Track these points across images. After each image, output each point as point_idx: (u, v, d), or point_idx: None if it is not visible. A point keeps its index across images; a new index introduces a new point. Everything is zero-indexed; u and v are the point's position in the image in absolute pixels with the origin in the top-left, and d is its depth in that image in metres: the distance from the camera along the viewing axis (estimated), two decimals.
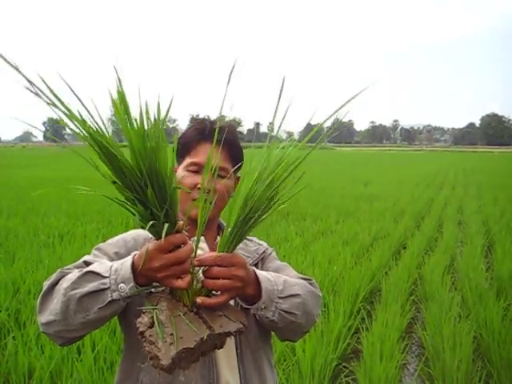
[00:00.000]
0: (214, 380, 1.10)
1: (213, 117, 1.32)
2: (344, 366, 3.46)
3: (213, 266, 0.92)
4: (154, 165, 0.81)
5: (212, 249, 1.10)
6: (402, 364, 3.51)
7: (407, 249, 6.75)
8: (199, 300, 0.91)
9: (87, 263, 1.07)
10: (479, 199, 12.82)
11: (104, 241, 1.24)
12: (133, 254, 0.97)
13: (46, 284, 1.03)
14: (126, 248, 1.18)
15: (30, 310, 3.70)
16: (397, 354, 3.25)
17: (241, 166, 1.29)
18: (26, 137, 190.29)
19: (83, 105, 0.80)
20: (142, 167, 0.81)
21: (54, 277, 1.03)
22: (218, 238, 1.24)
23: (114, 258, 1.14)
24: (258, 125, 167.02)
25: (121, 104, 0.80)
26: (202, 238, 0.96)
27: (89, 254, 1.18)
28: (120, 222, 7.90)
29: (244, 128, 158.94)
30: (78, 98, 0.79)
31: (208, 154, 1.00)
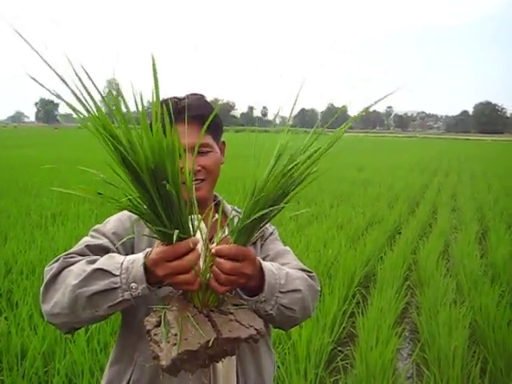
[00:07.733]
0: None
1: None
2: (339, 350, 3.46)
3: (225, 259, 0.90)
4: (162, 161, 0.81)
5: (211, 228, 1.05)
6: (397, 349, 3.51)
7: (402, 234, 6.76)
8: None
9: (89, 247, 1.07)
10: (473, 186, 12.86)
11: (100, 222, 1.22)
12: (145, 251, 0.94)
13: (49, 273, 1.00)
14: (123, 228, 1.17)
15: (22, 291, 3.66)
16: (393, 339, 3.24)
17: (221, 132, 1.28)
18: (18, 117, 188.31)
19: (97, 89, 0.78)
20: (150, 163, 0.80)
21: (56, 265, 1.00)
22: (216, 215, 1.19)
23: (112, 239, 1.13)
24: (251, 109, 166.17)
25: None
26: (200, 216, 0.93)
27: (86, 235, 1.16)
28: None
29: (238, 112, 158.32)
30: (93, 83, 0.77)
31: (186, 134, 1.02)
